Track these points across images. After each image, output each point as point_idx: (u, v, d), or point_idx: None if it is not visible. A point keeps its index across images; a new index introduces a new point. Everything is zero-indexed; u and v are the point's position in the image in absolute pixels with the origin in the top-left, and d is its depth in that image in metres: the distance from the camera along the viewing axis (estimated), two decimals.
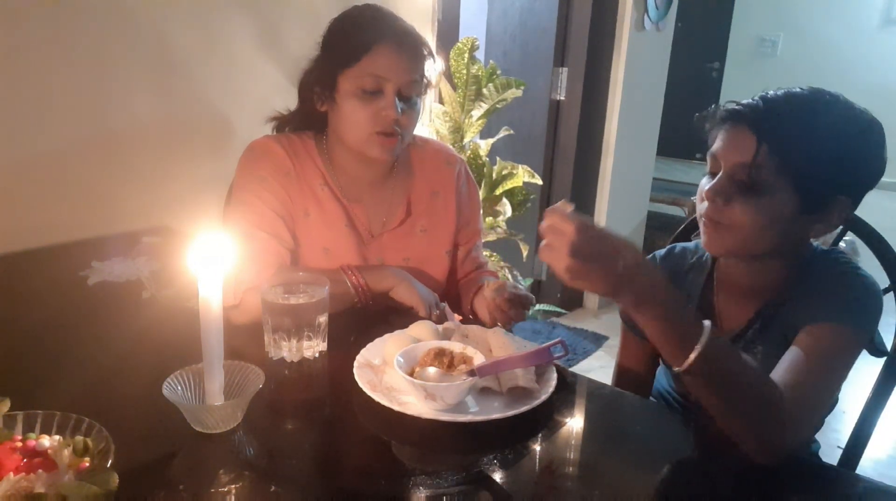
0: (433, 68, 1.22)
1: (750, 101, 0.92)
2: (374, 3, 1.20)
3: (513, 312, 1.12)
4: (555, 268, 0.73)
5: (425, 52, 1.18)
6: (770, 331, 0.99)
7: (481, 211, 1.42)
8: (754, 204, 0.90)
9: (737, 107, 0.92)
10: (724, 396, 0.79)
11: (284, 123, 1.29)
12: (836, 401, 1.05)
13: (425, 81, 1.20)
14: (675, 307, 0.76)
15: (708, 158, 0.96)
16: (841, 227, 1.15)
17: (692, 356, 0.75)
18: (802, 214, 0.90)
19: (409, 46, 1.15)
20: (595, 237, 0.72)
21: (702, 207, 0.95)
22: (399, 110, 1.14)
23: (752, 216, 0.90)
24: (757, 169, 0.88)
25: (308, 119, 1.26)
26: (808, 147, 0.87)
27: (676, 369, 0.77)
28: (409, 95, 1.15)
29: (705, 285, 1.07)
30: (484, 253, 1.43)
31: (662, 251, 1.15)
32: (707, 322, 0.76)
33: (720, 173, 0.92)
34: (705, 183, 0.95)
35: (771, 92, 0.93)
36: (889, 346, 1.07)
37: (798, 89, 0.92)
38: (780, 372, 0.85)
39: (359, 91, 1.13)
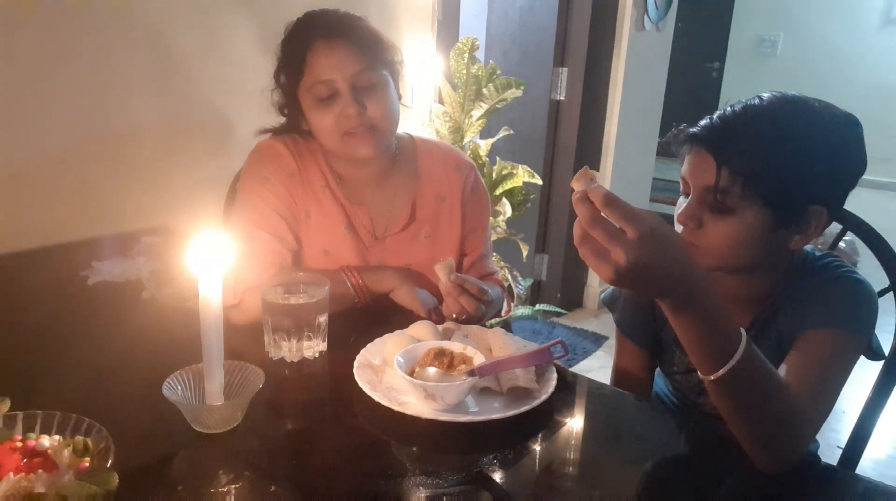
0: (390, 45, 1.19)
1: (708, 121, 0.91)
2: (313, 9, 1.18)
3: (463, 299, 1.08)
4: (599, 270, 0.67)
5: (369, 36, 1.15)
6: (764, 339, 0.98)
7: (490, 220, 1.38)
8: (726, 226, 0.89)
9: (695, 130, 0.91)
10: (748, 408, 0.78)
11: (279, 133, 1.28)
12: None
13: (384, 63, 1.16)
14: (715, 315, 0.71)
15: (680, 180, 0.95)
16: (841, 227, 1.15)
17: (724, 369, 0.72)
18: (777, 228, 0.89)
19: (343, 38, 1.12)
20: (659, 250, 0.65)
21: (678, 229, 0.94)
22: (360, 104, 1.11)
23: (725, 238, 0.89)
24: (722, 192, 0.87)
25: (296, 131, 1.25)
26: (771, 164, 0.85)
27: (704, 377, 0.74)
28: (367, 86, 1.13)
29: None
30: (492, 263, 1.38)
31: None
32: (743, 332, 0.73)
33: (690, 197, 0.92)
34: (680, 204, 0.94)
35: (729, 108, 0.91)
36: (886, 346, 1.07)
37: (756, 101, 0.89)
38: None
39: (314, 101, 1.13)
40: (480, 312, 1.11)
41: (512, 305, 2.77)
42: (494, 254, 2.51)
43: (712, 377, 0.73)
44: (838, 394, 0.87)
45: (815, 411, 0.82)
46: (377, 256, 1.25)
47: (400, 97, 1.22)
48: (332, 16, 1.16)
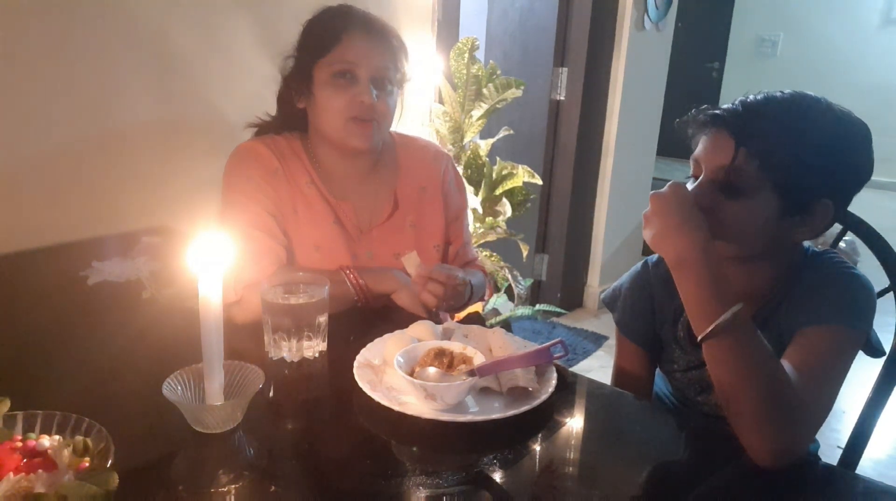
0: (408, 61, 1.24)
1: (730, 105, 0.93)
2: (346, 3, 1.23)
3: (431, 286, 1.11)
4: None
5: (397, 44, 1.21)
6: (765, 334, 0.99)
7: (469, 210, 1.42)
8: (735, 207, 0.90)
9: (717, 111, 0.93)
10: (742, 379, 0.80)
11: (265, 129, 1.30)
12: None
13: (399, 74, 1.22)
14: (714, 278, 0.83)
15: (691, 163, 0.96)
16: (841, 227, 1.15)
17: (720, 320, 0.80)
18: (784, 217, 0.90)
19: (379, 35, 1.18)
20: (677, 192, 0.87)
21: None
22: (374, 96, 1.16)
23: (733, 219, 0.90)
24: (736, 171, 0.89)
25: (288, 123, 1.27)
26: (788, 150, 0.87)
27: (701, 336, 0.82)
28: (382, 82, 1.18)
29: None
30: (475, 250, 1.43)
31: (654, 257, 1.14)
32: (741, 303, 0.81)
33: (701, 177, 0.93)
34: (688, 187, 0.95)
35: (751, 96, 0.93)
36: (886, 346, 1.06)
37: (779, 94, 0.92)
38: None
39: (332, 78, 1.15)
40: (456, 294, 1.14)
41: (512, 304, 2.77)
42: (494, 254, 2.51)
43: (708, 330, 0.81)
44: (838, 390, 0.87)
45: (814, 407, 0.83)
46: (365, 248, 1.26)
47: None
48: (372, 14, 1.21)
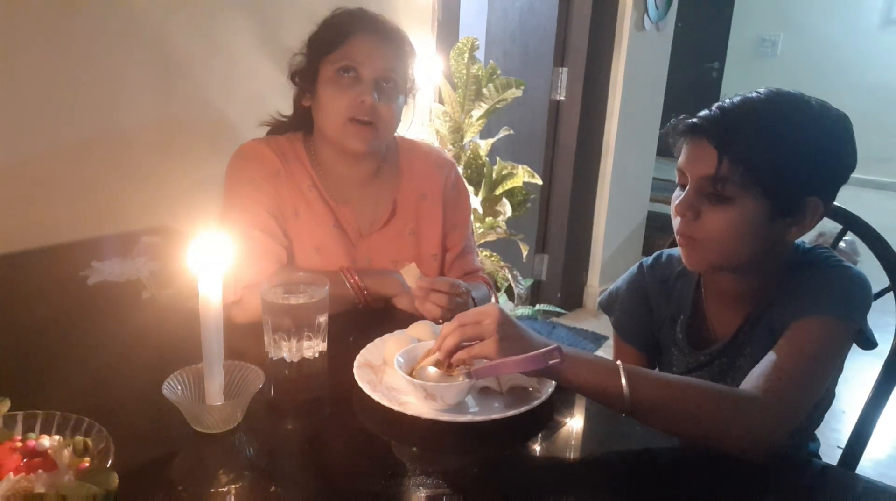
0: (417, 69, 1.23)
1: (708, 112, 0.92)
2: (361, 6, 1.23)
3: (433, 297, 1.09)
4: (487, 347, 0.81)
5: (407, 50, 1.20)
6: (758, 331, 0.98)
7: (472, 217, 1.41)
8: (724, 215, 0.90)
9: (695, 120, 0.91)
10: (678, 422, 0.81)
11: (279, 128, 1.29)
12: (832, 397, 1.04)
13: (409, 82, 1.22)
14: (587, 358, 0.84)
15: (676, 172, 0.95)
16: (841, 227, 1.15)
17: (623, 382, 0.79)
18: (775, 219, 0.90)
19: (387, 38, 1.18)
20: (509, 317, 0.84)
21: (675, 222, 0.95)
22: (375, 98, 1.15)
23: (724, 228, 0.90)
24: (722, 181, 0.88)
25: (299, 122, 1.27)
26: (771, 153, 0.86)
27: (625, 412, 0.80)
28: (387, 86, 1.17)
29: (695, 294, 1.07)
30: (478, 260, 1.40)
31: (650, 259, 1.14)
32: (619, 363, 0.82)
33: (687, 187, 0.92)
34: (676, 196, 0.94)
35: (728, 100, 0.92)
36: (886, 346, 1.06)
37: (755, 94, 0.91)
38: (762, 367, 0.85)
39: (336, 76, 1.15)
40: (454, 304, 1.11)
41: (512, 304, 2.77)
42: (494, 254, 2.51)
43: (628, 403, 0.79)
44: (824, 379, 0.87)
45: (791, 391, 0.82)
46: (364, 253, 1.26)
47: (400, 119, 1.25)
48: (384, 18, 1.21)
